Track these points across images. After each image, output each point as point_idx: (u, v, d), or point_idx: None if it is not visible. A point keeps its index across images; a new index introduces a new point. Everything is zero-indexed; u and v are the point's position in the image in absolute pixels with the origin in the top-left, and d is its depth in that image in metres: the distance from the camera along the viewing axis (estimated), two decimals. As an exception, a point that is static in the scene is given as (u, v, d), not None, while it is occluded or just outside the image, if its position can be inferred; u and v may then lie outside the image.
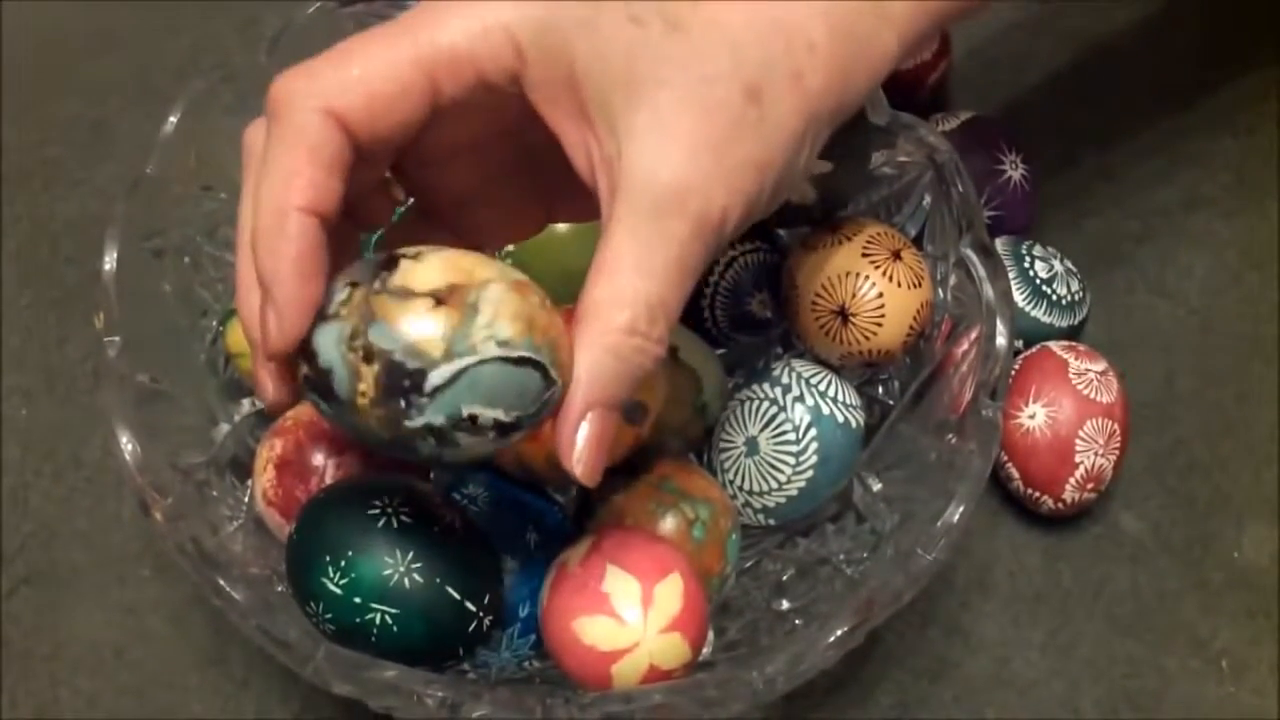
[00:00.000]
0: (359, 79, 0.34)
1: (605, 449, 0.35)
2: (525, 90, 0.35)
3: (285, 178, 0.34)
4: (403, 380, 0.33)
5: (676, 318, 0.35)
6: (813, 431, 0.47)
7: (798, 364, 0.48)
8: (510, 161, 0.40)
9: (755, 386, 0.48)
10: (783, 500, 0.47)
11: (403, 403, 0.33)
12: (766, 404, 0.48)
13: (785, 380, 0.48)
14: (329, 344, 0.34)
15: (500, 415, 0.34)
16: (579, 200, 0.38)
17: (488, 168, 0.40)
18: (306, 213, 0.34)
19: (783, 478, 0.47)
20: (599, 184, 0.36)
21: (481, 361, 0.33)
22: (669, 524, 0.45)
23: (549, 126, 0.36)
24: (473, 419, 0.34)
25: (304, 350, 0.34)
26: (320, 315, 0.34)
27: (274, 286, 0.34)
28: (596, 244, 0.35)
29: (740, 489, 0.48)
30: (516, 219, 0.42)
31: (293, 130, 0.34)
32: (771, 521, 0.48)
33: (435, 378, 0.33)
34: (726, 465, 0.48)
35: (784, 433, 0.47)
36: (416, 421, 0.33)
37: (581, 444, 0.35)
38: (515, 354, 0.34)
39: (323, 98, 0.34)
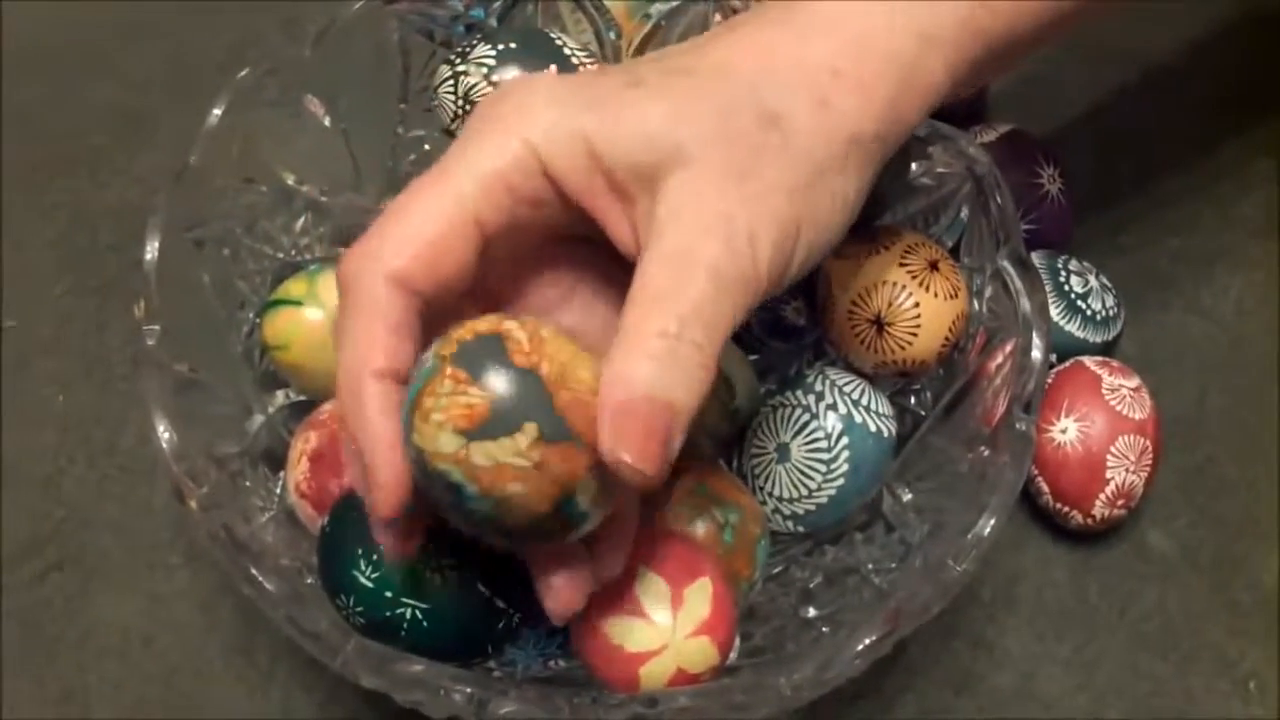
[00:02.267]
0: (412, 238, 0.35)
1: (654, 441, 0.33)
2: (567, 192, 0.36)
3: (360, 347, 0.35)
4: None
5: (719, 334, 0.35)
6: (844, 440, 0.47)
7: (831, 372, 0.48)
8: (588, 268, 0.40)
9: (788, 393, 0.48)
10: (812, 508, 0.47)
11: None
12: (799, 411, 0.48)
13: (818, 388, 0.48)
14: None
15: None
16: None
17: (569, 279, 0.40)
18: (382, 376, 0.35)
19: (813, 485, 0.47)
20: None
21: None
22: (699, 528, 0.45)
23: (595, 219, 0.37)
24: None
25: None
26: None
27: (370, 459, 0.34)
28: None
29: (770, 495, 0.48)
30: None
31: (361, 302, 0.35)
32: (800, 529, 0.48)
33: None
34: (757, 471, 0.48)
35: (816, 440, 0.47)
36: None
37: (621, 432, 0.33)
38: None
39: (384, 264, 0.35)
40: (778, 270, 0.36)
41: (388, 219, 0.36)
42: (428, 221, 0.35)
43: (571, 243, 0.39)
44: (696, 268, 0.34)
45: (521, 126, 0.36)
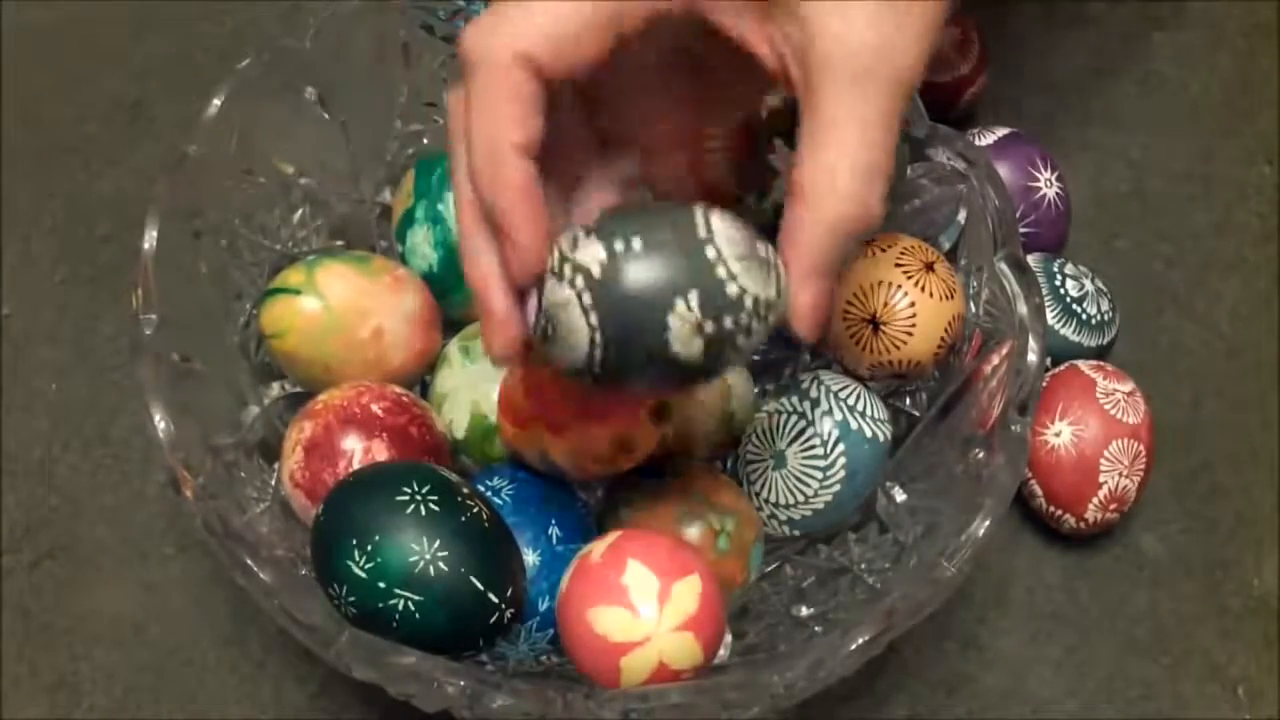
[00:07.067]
0: (544, 23, 0.35)
1: (825, 310, 0.38)
2: (700, 9, 0.37)
3: (494, 119, 0.35)
4: None
5: (890, 177, 0.37)
6: (840, 446, 0.47)
7: (826, 377, 0.48)
8: (670, 74, 0.41)
9: (783, 400, 0.48)
10: (809, 513, 0.47)
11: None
12: (794, 418, 0.48)
13: (814, 394, 0.48)
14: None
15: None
16: (728, 102, 0.43)
17: (653, 84, 0.41)
18: (519, 150, 0.35)
19: (810, 491, 0.47)
20: (791, 74, 0.37)
21: None
22: (694, 532, 0.45)
23: (731, 36, 0.37)
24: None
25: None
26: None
27: (509, 219, 0.36)
28: (801, 125, 0.37)
29: (766, 501, 0.48)
30: (674, 132, 0.43)
31: (492, 77, 0.35)
32: (796, 533, 0.48)
33: None
34: (753, 478, 0.48)
35: (812, 447, 0.47)
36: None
37: (803, 308, 0.37)
38: None
39: (513, 43, 0.35)
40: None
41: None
42: (564, 13, 0.35)
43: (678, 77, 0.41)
44: (870, 108, 0.36)
45: None
